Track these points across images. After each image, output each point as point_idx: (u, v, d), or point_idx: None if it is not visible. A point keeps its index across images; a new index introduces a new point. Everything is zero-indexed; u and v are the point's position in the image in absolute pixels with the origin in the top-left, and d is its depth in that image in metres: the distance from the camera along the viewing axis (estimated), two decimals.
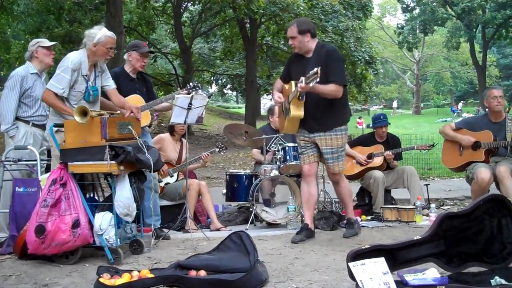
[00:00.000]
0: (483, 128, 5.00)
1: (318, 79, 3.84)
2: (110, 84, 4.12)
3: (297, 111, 4.28)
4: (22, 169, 4.32)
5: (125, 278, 2.92)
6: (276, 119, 5.78)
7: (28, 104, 4.37)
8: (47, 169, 4.28)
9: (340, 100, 4.32)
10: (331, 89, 4.16)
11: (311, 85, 3.91)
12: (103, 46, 3.87)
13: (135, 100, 4.46)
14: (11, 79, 4.35)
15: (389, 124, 6.01)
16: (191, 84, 4.88)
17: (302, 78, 3.96)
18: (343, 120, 4.42)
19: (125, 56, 4.72)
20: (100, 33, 3.86)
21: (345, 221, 4.76)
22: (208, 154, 5.65)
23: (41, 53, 4.46)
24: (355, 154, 5.74)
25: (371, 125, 6.26)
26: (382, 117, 5.98)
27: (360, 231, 4.61)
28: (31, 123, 4.38)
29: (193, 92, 4.68)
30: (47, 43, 4.54)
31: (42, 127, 4.46)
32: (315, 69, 3.83)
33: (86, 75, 3.88)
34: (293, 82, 4.26)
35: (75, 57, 3.83)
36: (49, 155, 4.37)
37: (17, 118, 4.34)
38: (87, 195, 3.87)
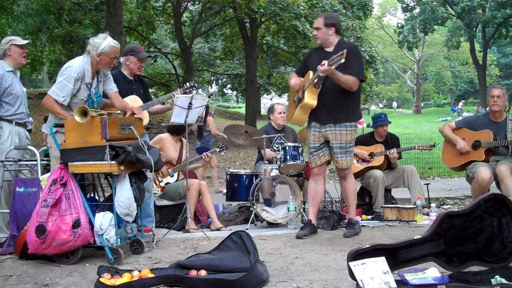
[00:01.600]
0: (483, 127, 4.99)
1: (343, 60, 3.91)
2: (112, 88, 4.13)
3: (310, 100, 4.33)
4: (12, 170, 4.28)
5: (125, 278, 2.92)
6: (277, 115, 5.79)
7: (10, 103, 4.31)
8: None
9: (353, 97, 4.41)
10: (349, 78, 4.22)
11: (333, 67, 3.98)
12: (107, 56, 3.87)
13: (133, 100, 4.46)
14: None
15: (390, 122, 6.03)
16: (188, 84, 4.88)
17: (325, 61, 4.04)
18: (353, 117, 4.49)
19: (122, 60, 4.66)
20: (104, 43, 3.85)
21: (346, 220, 4.76)
22: (208, 154, 5.64)
23: (14, 51, 4.39)
24: (357, 151, 5.73)
25: (371, 124, 6.26)
26: (383, 116, 6.01)
27: (360, 230, 4.61)
28: (14, 122, 4.33)
29: (193, 92, 4.69)
30: (20, 41, 4.48)
31: (24, 125, 4.43)
32: (340, 52, 3.91)
33: (89, 83, 3.89)
34: (310, 72, 4.32)
35: (79, 66, 3.82)
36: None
37: (0, 118, 4.29)
38: (88, 195, 3.87)
